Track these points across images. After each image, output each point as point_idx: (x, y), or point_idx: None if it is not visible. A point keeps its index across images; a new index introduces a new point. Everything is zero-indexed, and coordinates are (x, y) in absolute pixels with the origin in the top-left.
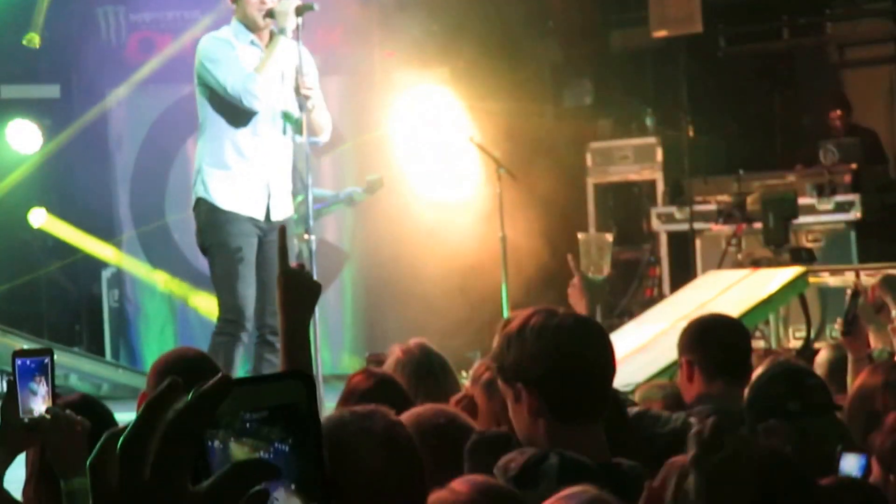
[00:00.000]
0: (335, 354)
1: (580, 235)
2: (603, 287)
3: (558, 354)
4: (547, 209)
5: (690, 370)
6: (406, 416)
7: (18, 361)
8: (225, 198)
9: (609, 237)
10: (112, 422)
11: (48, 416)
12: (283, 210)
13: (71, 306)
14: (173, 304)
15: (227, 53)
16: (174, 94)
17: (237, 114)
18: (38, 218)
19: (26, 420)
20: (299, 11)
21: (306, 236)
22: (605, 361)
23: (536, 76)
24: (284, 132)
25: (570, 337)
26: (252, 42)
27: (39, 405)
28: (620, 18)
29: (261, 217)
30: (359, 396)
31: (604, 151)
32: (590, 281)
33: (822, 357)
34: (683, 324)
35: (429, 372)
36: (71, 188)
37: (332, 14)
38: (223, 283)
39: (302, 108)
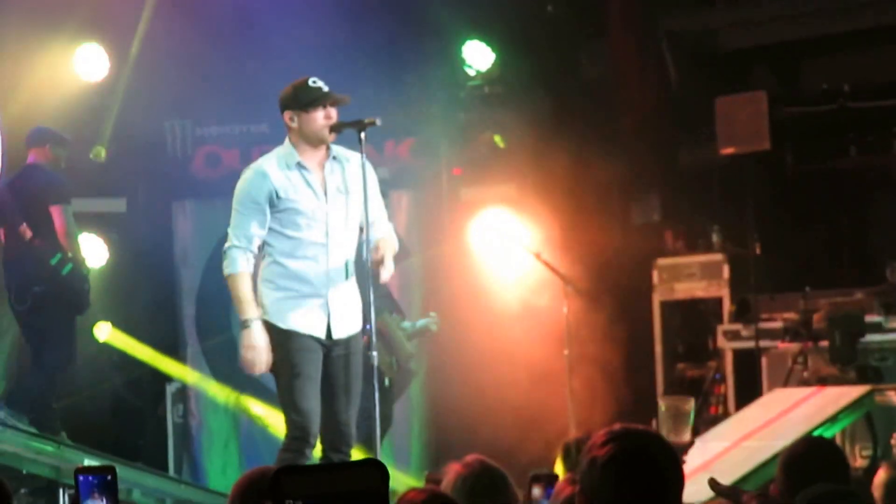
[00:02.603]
0: (402, 471)
1: (661, 402)
2: (681, 452)
3: (626, 488)
4: (613, 326)
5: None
6: None
7: (81, 478)
8: (282, 318)
9: (690, 404)
10: None
11: None
12: (345, 328)
13: (135, 420)
14: (237, 419)
15: (247, 203)
16: None
17: (287, 240)
18: (104, 332)
19: None
20: (362, 127)
21: (373, 353)
22: (674, 487)
23: (604, 193)
24: (343, 251)
25: (636, 467)
26: (299, 164)
27: None
28: (689, 136)
29: (322, 336)
30: None
31: (670, 268)
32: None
33: (880, 478)
34: (748, 443)
35: (487, 486)
36: (136, 302)
37: (401, 128)
38: (288, 400)
39: (363, 227)
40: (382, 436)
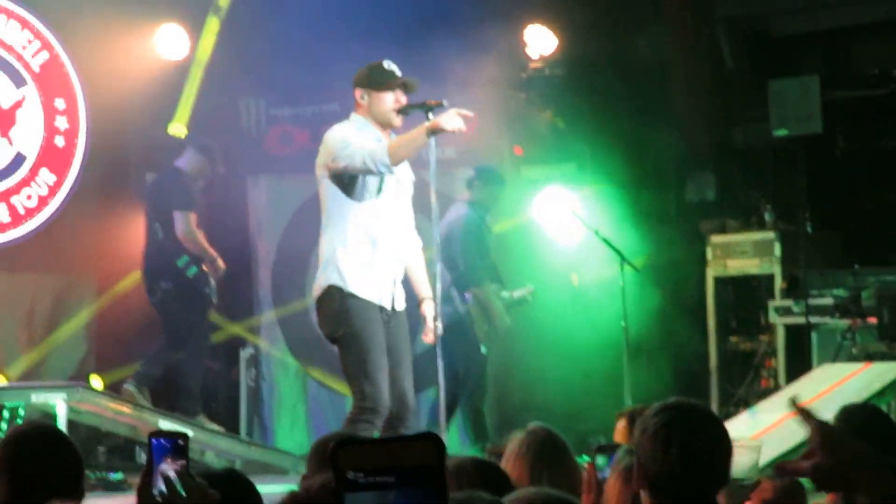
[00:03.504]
0: (462, 440)
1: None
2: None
3: (674, 454)
4: (668, 300)
5: None
6: (512, 500)
7: (154, 442)
8: (360, 285)
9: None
10: (257, 498)
11: (179, 482)
12: (403, 299)
13: (209, 385)
14: (305, 383)
15: (356, 135)
16: (314, 186)
17: (366, 203)
18: (147, 289)
19: (159, 499)
20: (429, 108)
21: (437, 323)
22: (722, 456)
23: (660, 171)
24: (405, 230)
25: (685, 435)
26: (378, 139)
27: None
28: (742, 117)
29: (388, 306)
30: (464, 482)
31: (724, 245)
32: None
33: None
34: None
35: (550, 453)
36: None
37: (466, 110)
38: (360, 370)
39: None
40: (482, 402)
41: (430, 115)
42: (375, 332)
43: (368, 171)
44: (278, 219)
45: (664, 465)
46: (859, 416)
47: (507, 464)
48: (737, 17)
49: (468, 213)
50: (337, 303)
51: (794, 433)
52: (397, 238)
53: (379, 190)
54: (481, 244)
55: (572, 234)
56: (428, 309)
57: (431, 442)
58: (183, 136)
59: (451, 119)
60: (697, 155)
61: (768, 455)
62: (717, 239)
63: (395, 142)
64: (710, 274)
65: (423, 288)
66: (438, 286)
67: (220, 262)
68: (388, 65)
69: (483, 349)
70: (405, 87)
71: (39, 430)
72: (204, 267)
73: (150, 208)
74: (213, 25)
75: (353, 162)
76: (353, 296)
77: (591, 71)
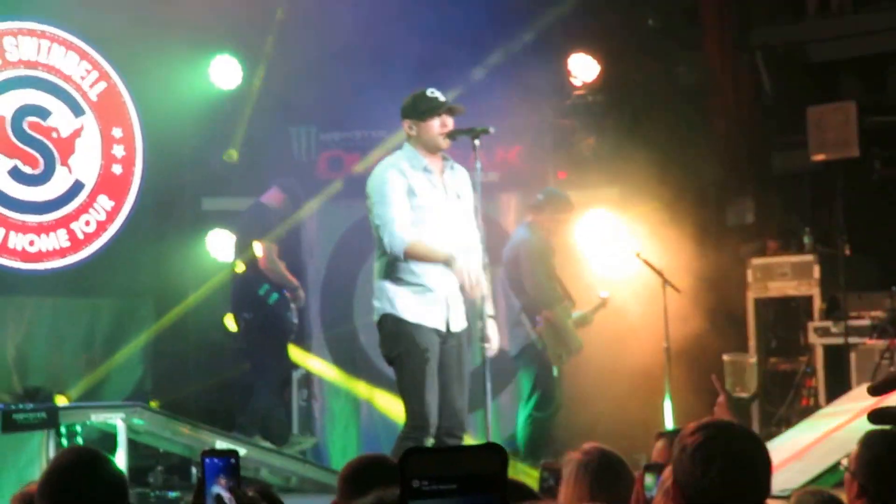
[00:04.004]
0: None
1: (725, 357)
2: (748, 405)
3: (713, 472)
4: (709, 322)
5: (861, 493)
6: None
7: (207, 461)
8: (411, 310)
9: (752, 359)
10: None
11: (232, 500)
12: (460, 321)
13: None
14: (357, 404)
15: (395, 193)
16: (362, 210)
17: (415, 228)
18: (234, 323)
19: None
20: (476, 134)
21: (486, 345)
22: (762, 473)
23: (701, 195)
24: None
25: (723, 453)
26: (425, 168)
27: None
28: (781, 141)
29: (441, 327)
30: None
31: (764, 267)
32: (735, 400)
33: None
34: (837, 434)
35: (609, 472)
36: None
37: (511, 136)
38: (411, 390)
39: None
40: (552, 423)
41: (477, 142)
42: (426, 354)
43: (381, 241)
44: (327, 242)
45: (703, 483)
46: (881, 445)
47: (567, 487)
48: (775, 44)
49: (531, 236)
50: (389, 327)
51: (835, 450)
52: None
53: (427, 220)
54: (547, 266)
55: (615, 256)
56: (486, 328)
57: (495, 451)
58: (235, 161)
59: (466, 278)
60: (737, 180)
61: (808, 474)
62: (757, 262)
63: (417, 246)
64: (751, 296)
65: (486, 306)
66: (489, 307)
67: (301, 292)
68: (432, 92)
69: (555, 371)
70: (451, 112)
71: (79, 456)
72: (286, 294)
73: (236, 243)
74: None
75: (377, 228)
76: (404, 321)
77: (632, 97)
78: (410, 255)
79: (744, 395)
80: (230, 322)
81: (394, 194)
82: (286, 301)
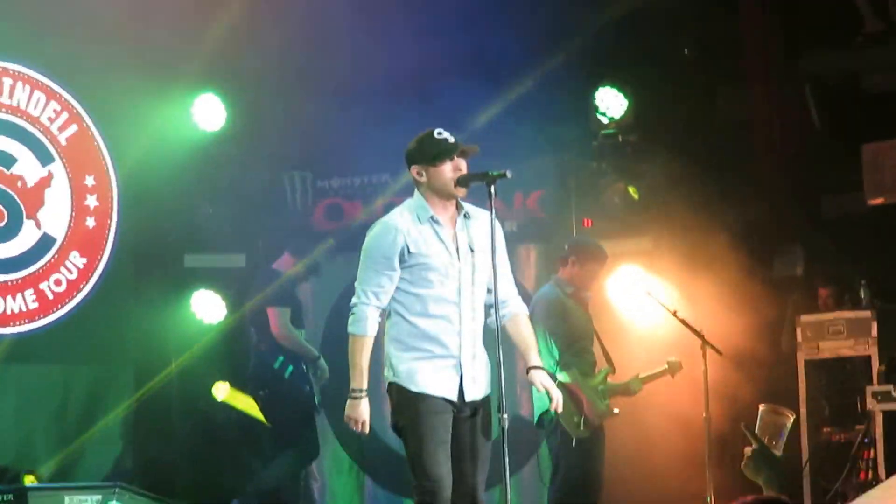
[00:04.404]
0: None
1: (761, 407)
2: (779, 462)
3: None
4: (754, 387)
5: None
6: None
7: None
8: (417, 378)
9: (790, 415)
10: None
11: None
12: (476, 389)
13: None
14: (360, 481)
15: (381, 260)
16: None
17: (417, 298)
18: (222, 391)
19: None
20: (491, 180)
21: (503, 415)
22: None
23: (744, 244)
24: (473, 310)
25: None
26: (432, 219)
27: None
28: (833, 183)
29: (452, 397)
30: None
31: (815, 325)
32: (768, 455)
33: None
34: None
35: None
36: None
37: (531, 180)
38: (419, 465)
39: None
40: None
41: (493, 188)
42: (433, 425)
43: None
44: (325, 304)
45: None
46: None
47: None
48: (825, 74)
49: (550, 291)
50: (395, 397)
51: None
52: (466, 324)
53: (430, 281)
54: (569, 326)
55: (648, 315)
56: (535, 378)
57: None
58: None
59: (348, 418)
60: (785, 226)
61: None
62: (807, 318)
63: (354, 345)
64: (801, 357)
65: (529, 357)
66: (534, 357)
67: (323, 363)
68: (440, 133)
69: (573, 442)
70: (463, 154)
71: None
72: (303, 366)
73: (248, 316)
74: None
75: (352, 306)
76: (409, 390)
77: (666, 136)
78: (350, 341)
79: (777, 452)
80: (219, 391)
81: (374, 260)
82: (304, 374)
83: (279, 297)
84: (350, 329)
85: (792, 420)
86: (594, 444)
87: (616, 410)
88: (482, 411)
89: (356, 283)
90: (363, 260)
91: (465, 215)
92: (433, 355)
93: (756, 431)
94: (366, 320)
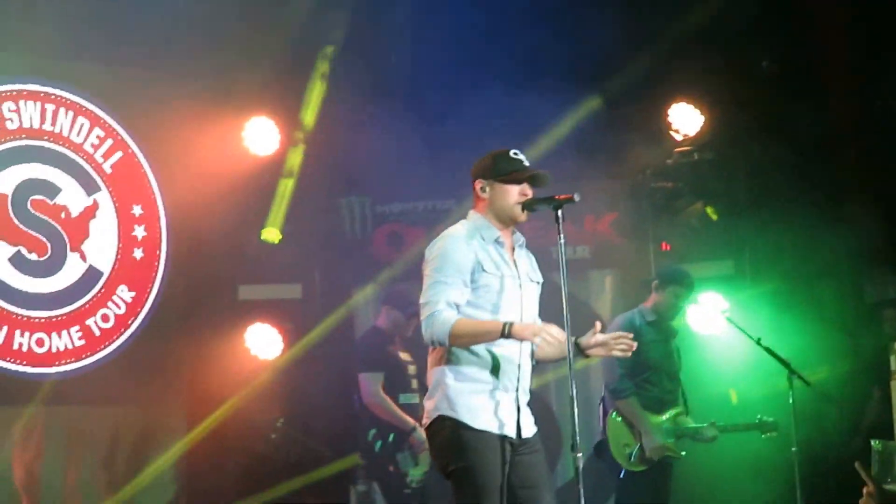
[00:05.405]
0: None
1: (873, 443)
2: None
3: None
4: (846, 419)
5: None
6: None
7: None
8: (475, 413)
9: None
10: None
11: None
12: (531, 424)
13: None
14: None
15: (455, 274)
16: None
17: (480, 315)
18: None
19: None
20: (558, 204)
21: (577, 455)
22: None
23: (833, 268)
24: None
25: None
26: (497, 241)
27: None
28: None
29: (511, 434)
30: None
31: None
32: (887, 492)
33: None
34: None
35: None
36: (313, 397)
37: (602, 202)
38: None
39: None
40: None
41: (560, 213)
42: (494, 469)
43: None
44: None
45: None
46: None
47: None
48: None
49: (630, 316)
50: (448, 434)
51: None
52: (522, 355)
53: (496, 305)
54: (636, 353)
55: (731, 343)
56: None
57: None
58: (276, 242)
59: (535, 334)
60: (877, 247)
61: None
62: None
63: (464, 325)
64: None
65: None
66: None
67: (420, 432)
68: (516, 154)
69: (622, 473)
70: (533, 181)
71: None
72: (390, 440)
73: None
74: (318, 91)
75: (422, 310)
76: (466, 426)
77: (745, 154)
78: (456, 337)
79: (894, 487)
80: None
81: (446, 273)
82: (391, 451)
83: (371, 361)
84: (438, 338)
85: None
86: (654, 480)
87: (683, 453)
88: (537, 447)
89: (421, 301)
90: (431, 275)
91: (521, 244)
92: (493, 387)
93: (873, 467)
94: (449, 314)
